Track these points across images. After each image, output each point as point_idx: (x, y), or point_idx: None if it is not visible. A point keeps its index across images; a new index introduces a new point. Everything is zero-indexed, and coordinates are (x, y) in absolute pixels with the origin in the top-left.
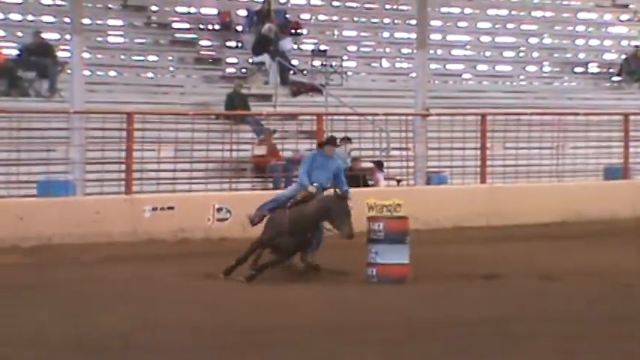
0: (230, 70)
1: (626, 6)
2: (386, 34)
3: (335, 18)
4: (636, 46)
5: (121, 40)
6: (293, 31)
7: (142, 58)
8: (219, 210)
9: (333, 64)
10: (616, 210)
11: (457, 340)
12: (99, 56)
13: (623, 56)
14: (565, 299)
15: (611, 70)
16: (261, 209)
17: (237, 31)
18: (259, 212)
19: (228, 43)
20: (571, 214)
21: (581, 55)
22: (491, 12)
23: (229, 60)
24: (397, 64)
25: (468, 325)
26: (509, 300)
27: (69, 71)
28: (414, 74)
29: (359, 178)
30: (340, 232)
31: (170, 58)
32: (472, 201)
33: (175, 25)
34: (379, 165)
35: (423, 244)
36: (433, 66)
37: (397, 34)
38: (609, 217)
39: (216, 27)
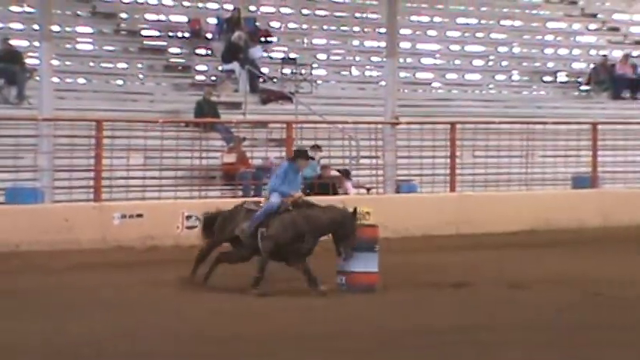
0: (200, 77)
1: (595, 15)
2: (355, 43)
3: (305, 26)
4: (604, 56)
5: (90, 47)
6: (263, 39)
7: (111, 65)
8: (188, 217)
9: (303, 72)
10: (584, 219)
11: (426, 349)
12: (68, 63)
13: (592, 65)
14: (534, 308)
15: (579, 80)
16: (254, 221)
17: (206, 38)
18: (252, 224)
19: (198, 51)
20: (540, 222)
21: (550, 65)
22: (460, 21)
23: (199, 67)
24: (367, 73)
25: (438, 333)
26: (479, 309)
27: (37, 78)
28: (383, 82)
29: (328, 186)
30: (342, 252)
31: (139, 65)
32: (441, 209)
33: (145, 33)
34: (346, 173)
35: (393, 253)
36: (403, 74)
37: (367, 43)
38: (578, 225)
39: (186, 34)
